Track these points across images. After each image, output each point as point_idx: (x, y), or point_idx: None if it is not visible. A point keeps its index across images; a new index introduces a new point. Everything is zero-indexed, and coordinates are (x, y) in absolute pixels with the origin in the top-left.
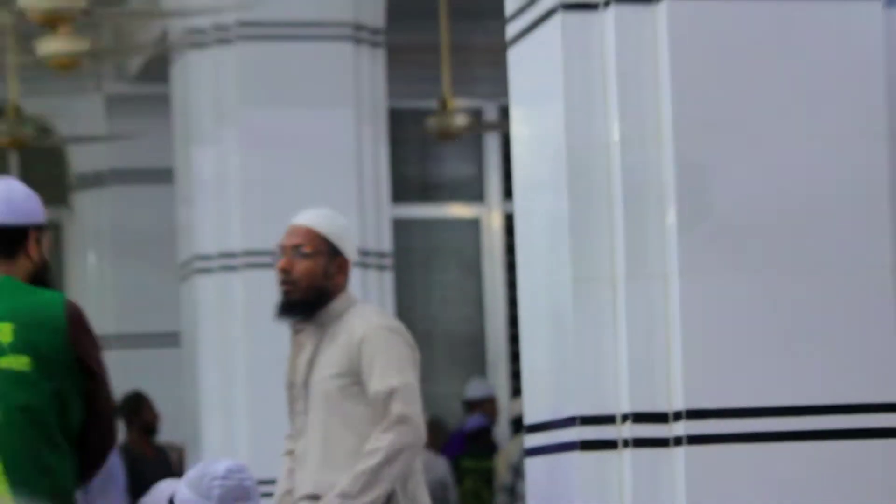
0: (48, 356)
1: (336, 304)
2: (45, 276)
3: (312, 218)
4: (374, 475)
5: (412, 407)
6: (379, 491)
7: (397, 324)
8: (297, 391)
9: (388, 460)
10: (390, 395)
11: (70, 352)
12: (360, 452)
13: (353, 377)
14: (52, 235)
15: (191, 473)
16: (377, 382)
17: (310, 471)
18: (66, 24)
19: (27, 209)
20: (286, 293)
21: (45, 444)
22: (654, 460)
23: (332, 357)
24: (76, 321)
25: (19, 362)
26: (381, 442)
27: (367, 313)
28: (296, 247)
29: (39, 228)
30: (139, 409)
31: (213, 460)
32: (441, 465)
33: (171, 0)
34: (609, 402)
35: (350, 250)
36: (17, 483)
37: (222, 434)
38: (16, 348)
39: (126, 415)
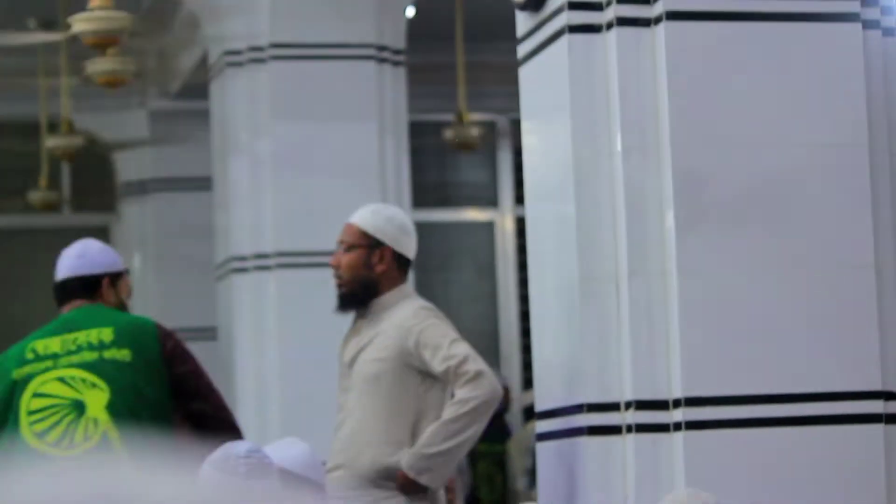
0: (144, 353)
1: (388, 296)
2: None
3: (356, 214)
4: (454, 424)
5: (479, 363)
6: (461, 441)
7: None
8: (344, 369)
9: (474, 411)
10: (462, 361)
11: (162, 355)
12: (389, 434)
13: (398, 361)
14: (130, 280)
15: (213, 457)
16: (442, 360)
17: (340, 444)
18: (114, 46)
19: (100, 261)
20: (337, 287)
21: (152, 421)
22: (655, 444)
23: (378, 343)
24: (166, 332)
25: (122, 353)
26: (465, 394)
27: (409, 303)
28: (340, 243)
29: (115, 276)
30: None
31: (230, 444)
32: None
33: (210, 24)
34: (613, 391)
35: (396, 241)
36: (133, 454)
37: (256, 422)
38: (117, 344)
39: None
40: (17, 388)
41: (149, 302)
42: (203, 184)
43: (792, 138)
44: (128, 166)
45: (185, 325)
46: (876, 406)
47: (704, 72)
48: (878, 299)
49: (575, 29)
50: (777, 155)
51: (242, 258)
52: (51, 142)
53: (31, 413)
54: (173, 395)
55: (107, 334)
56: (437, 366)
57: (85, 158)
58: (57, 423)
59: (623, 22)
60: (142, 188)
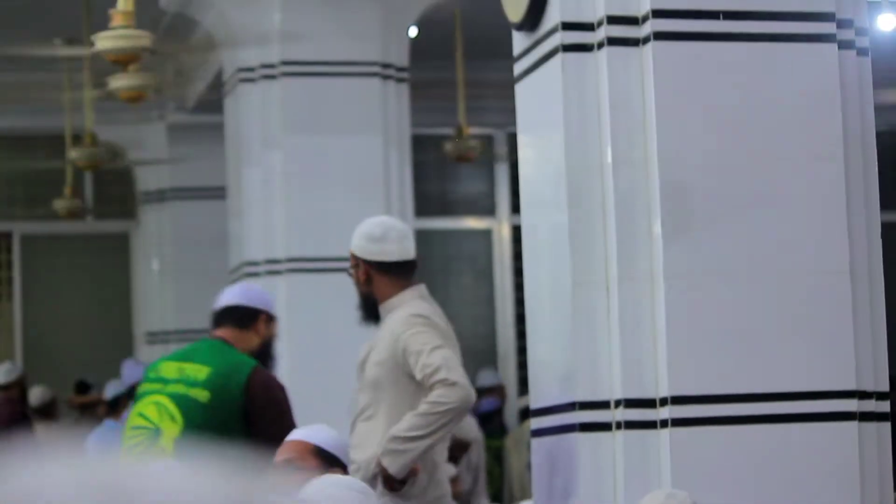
0: (225, 398)
1: (388, 303)
2: (267, 352)
3: (352, 239)
4: (422, 419)
5: (454, 372)
6: (424, 434)
7: (429, 309)
8: (358, 371)
9: (443, 414)
10: (437, 370)
11: (243, 404)
12: (386, 435)
13: (393, 365)
14: (272, 322)
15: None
16: (421, 369)
17: (354, 441)
18: (135, 63)
19: (261, 298)
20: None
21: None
22: (643, 440)
23: (379, 347)
24: (256, 382)
25: (203, 395)
26: (429, 399)
27: (406, 308)
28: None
29: (270, 317)
30: None
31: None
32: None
33: (225, 43)
34: (604, 390)
35: (368, 252)
36: None
37: None
38: (204, 384)
39: None
40: (135, 401)
41: (166, 304)
42: (218, 193)
43: (772, 152)
44: (147, 176)
45: (199, 326)
46: (850, 405)
47: (689, 89)
48: (853, 303)
49: (568, 48)
50: (758, 167)
51: (255, 263)
52: (75, 153)
53: (131, 428)
54: (250, 441)
55: (203, 373)
56: (417, 373)
57: (107, 169)
58: (138, 445)
59: (613, 42)
60: (160, 197)
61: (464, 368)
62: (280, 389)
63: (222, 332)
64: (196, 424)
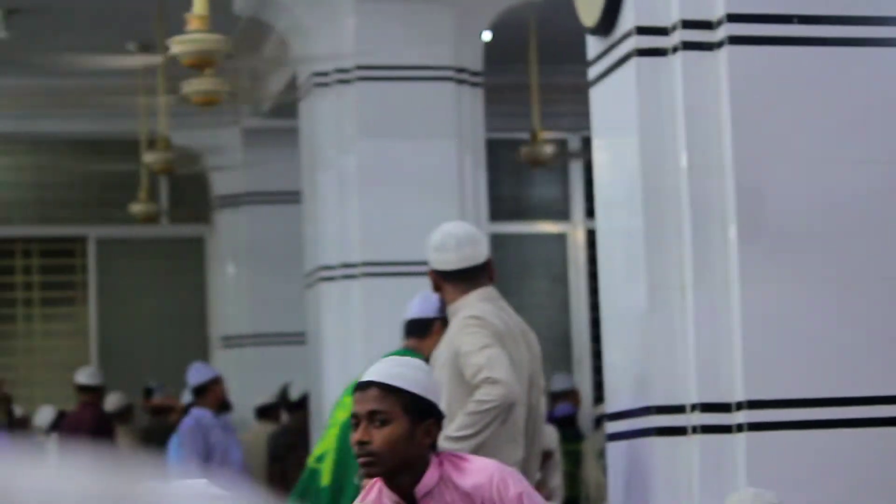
0: None
1: (453, 307)
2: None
3: None
4: (468, 418)
5: (496, 370)
6: (472, 433)
7: (488, 310)
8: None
9: (486, 412)
10: (479, 370)
11: None
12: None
13: (452, 366)
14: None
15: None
16: (469, 368)
17: None
18: (210, 67)
19: (434, 306)
20: None
21: None
22: (718, 445)
23: (441, 349)
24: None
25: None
26: (474, 398)
27: (465, 311)
28: None
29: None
30: (301, 399)
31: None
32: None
33: (299, 47)
34: (680, 394)
35: (432, 261)
36: None
37: None
38: None
39: (285, 403)
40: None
41: (241, 309)
42: (292, 197)
43: (848, 156)
44: (222, 181)
45: (275, 330)
46: None
47: (764, 93)
48: None
49: (643, 52)
50: (834, 171)
51: (330, 267)
52: (149, 157)
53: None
54: None
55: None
56: (466, 372)
57: (182, 173)
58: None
59: (688, 46)
60: (235, 201)
61: (544, 366)
62: None
63: (410, 343)
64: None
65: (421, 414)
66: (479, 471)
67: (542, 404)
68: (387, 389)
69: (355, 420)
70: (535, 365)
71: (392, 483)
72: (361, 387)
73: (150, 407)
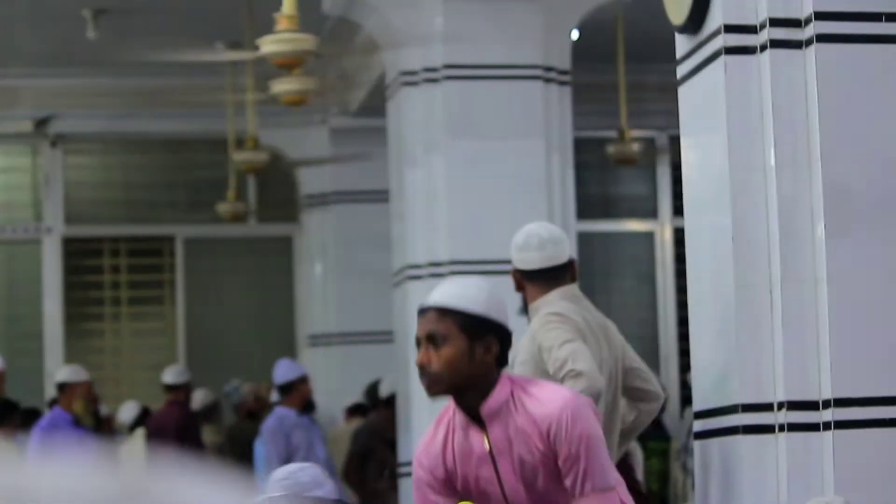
0: None
1: (534, 305)
2: None
3: None
4: None
5: (579, 363)
6: None
7: (569, 308)
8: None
9: None
10: (564, 362)
11: None
12: None
13: (533, 364)
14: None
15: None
16: (552, 364)
17: None
18: (299, 66)
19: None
20: None
21: None
22: (805, 443)
23: (522, 347)
24: None
25: None
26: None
27: (546, 308)
28: None
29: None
30: (389, 398)
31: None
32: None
33: (387, 46)
34: (767, 392)
35: (515, 261)
36: None
37: (429, 418)
38: None
39: (373, 400)
40: None
41: (329, 307)
42: (380, 196)
43: None
44: (310, 180)
45: (363, 328)
46: None
47: (852, 90)
48: None
49: (731, 51)
50: None
51: (417, 266)
52: (238, 156)
53: None
54: None
55: None
56: (550, 368)
57: (269, 172)
58: None
59: (776, 44)
60: (323, 200)
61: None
62: None
63: None
64: None
65: (479, 331)
66: (550, 400)
67: (620, 401)
68: (442, 311)
69: (417, 344)
70: (617, 353)
71: (461, 402)
72: (421, 312)
73: (243, 412)
